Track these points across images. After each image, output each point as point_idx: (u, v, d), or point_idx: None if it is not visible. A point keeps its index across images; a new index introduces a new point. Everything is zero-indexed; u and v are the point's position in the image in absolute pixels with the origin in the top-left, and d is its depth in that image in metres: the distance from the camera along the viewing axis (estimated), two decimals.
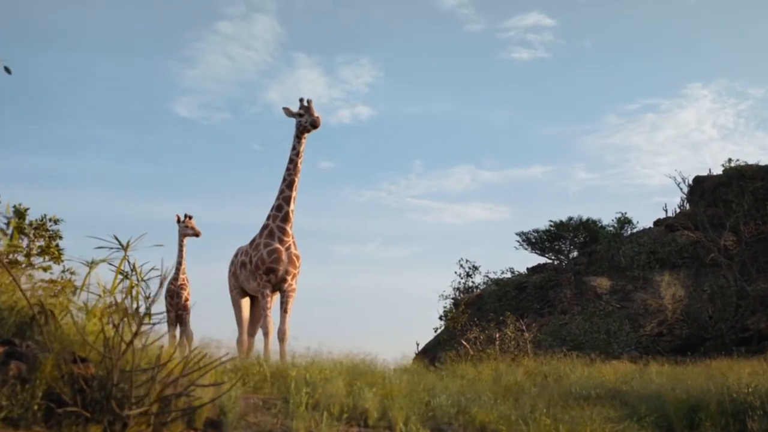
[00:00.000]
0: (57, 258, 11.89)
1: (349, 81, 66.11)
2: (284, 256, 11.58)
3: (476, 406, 6.96)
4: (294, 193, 11.78)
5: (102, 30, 62.37)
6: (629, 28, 67.75)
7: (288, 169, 11.92)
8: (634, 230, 29.08)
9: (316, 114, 12.02)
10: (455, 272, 30.83)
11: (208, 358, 4.95)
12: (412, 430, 5.72)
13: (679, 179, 28.32)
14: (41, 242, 12.21)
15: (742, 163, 26.94)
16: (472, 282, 30.55)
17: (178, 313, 16.36)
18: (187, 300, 16.37)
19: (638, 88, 67.56)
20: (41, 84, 62.92)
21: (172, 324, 16.46)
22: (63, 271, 11.10)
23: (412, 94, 68.49)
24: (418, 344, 26.60)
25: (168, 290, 16.18)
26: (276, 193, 11.98)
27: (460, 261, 31.03)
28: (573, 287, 26.23)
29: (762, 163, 27.06)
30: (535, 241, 29.25)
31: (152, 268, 11.36)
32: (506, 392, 9.04)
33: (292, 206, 11.75)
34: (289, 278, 11.62)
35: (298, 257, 11.80)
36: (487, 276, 30.37)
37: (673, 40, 67.23)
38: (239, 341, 12.84)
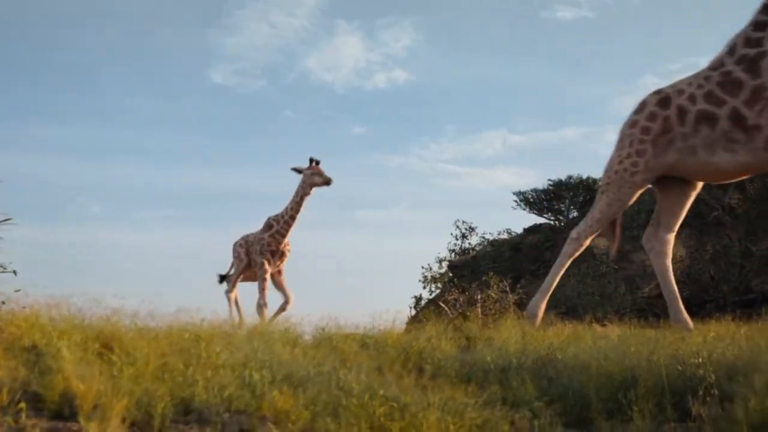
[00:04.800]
0: None
1: (389, 44, 62.95)
2: None
3: (305, 385, 4.77)
4: None
5: (146, 2, 60.53)
6: None
7: None
8: None
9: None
10: (451, 234, 28.51)
11: None
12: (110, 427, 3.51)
13: None
14: None
15: None
16: (468, 243, 28.20)
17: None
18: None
19: (682, 46, 62.68)
20: (82, 55, 61.27)
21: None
22: None
23: (451, 57, 64.85)
24: (410, 308, 24.40)
25: (268, 242, 13.75)
26: None
27: (456, 222, 28.68)
28: None
29: None
30: (533, 200, 26.63)
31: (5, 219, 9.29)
32: (406, 363, 6.84)
33: None
34: None
35: None
36: (483, 237, 27.98)
37: None
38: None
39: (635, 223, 23.53)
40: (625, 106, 61.96)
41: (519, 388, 5.67)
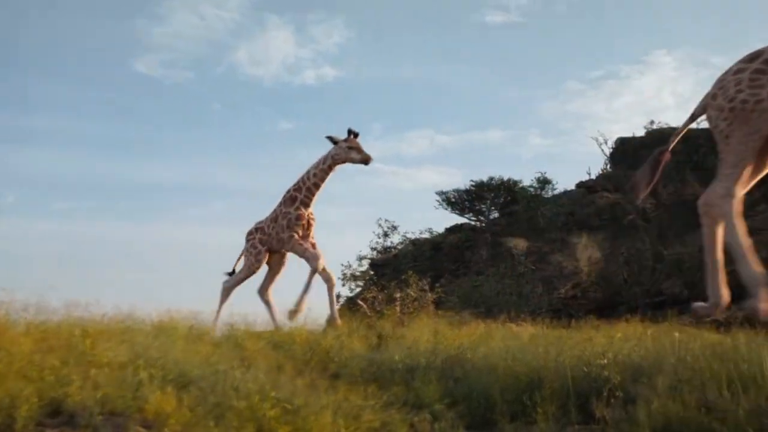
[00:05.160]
0: None
1: (319, 40, 62.19)
2: None
3: (196, 384, 4.46)
4: None
5: None
6: None
7: None
8: (555, 191, 26.70)
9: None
10: (373, 232, 28.25)
11: None
12: None
13: (601, 140, 25.94)
14: None
15: (665, 126, 24.65)
16: (390, 242, 28.04)
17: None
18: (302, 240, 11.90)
19: (606, 53, 63.63)
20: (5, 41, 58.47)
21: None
22: None
23: (381, 56, 64.46)
24: None
25: (298, 216, 11.60)
26: None
27: (378, 220, 28.44)
28: (489, 248, 23.90)
29: None
30: (455, 200, 26.69)
31: None
32: (309, 362, 6.60)
33: None
34: None
35: None
36: (405, 236, 27.87)
37: (647, 4, 63.48)
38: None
39: (554, 226, 23.93)
40: (548, 110, 62.93)
41: (422, 389, 5.48)
